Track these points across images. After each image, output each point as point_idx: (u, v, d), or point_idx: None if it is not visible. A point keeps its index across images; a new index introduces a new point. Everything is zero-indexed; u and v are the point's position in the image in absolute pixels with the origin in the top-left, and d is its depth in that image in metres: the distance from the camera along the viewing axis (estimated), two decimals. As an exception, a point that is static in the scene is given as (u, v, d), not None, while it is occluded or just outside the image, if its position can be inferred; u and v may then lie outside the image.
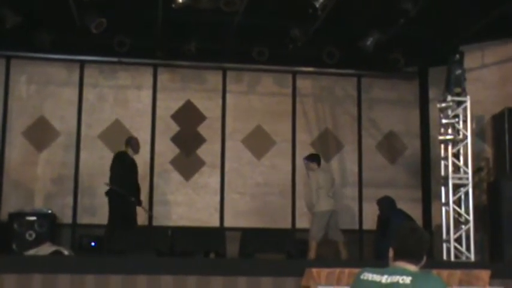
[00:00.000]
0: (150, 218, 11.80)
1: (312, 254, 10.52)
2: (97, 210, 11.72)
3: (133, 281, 7.50)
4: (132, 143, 10.85)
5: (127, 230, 10.11)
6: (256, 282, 7.69)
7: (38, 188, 12.07)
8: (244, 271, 7.79)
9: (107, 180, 10.53)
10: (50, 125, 12.26)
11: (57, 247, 9.05)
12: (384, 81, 13.27)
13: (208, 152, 12.65)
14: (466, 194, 10.41)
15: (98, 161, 11.92)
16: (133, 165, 10.78)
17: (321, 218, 10.79)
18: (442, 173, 10.56)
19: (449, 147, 10.45)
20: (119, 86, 12.61)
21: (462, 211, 10.39)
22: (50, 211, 11.51)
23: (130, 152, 10.78)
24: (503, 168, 10.92)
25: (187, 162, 12.57)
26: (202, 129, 12.71)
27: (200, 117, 12.73)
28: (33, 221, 11.19)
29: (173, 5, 10.12)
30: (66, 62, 12.45)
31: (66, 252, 8.90)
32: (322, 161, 11.75)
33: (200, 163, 12.59)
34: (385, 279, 3.70)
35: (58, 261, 8.09)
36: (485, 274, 7.79)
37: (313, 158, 11.26)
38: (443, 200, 10.48)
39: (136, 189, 10.78)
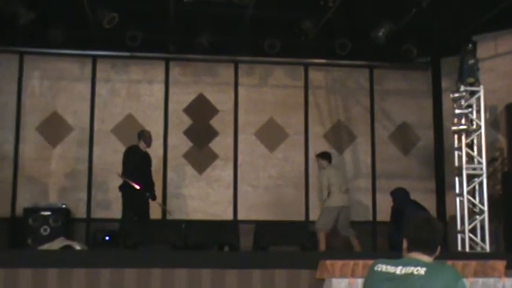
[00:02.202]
0: (164, 211, 11.82)
1: (322, 246, 10.56)
2: (111, 205, 11.76)
3: (148, 274, 7.52)
4: (144, 136, 10.81)
5: (141, 224, 10.13)
6: (270, 275, 7.69)
7: (52, 183, 12.14)
8: (258, 264, 7.80)
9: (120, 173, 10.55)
10: (63, 120, 12.31)
11: (69, 242, 9.07)
12: (396, 72, 13.22)
13: (221, 145, 12.66)
14: (481, 184, 10.36)
15: (111, 156, 11.96)
16: (145, 159, 10.74)
17: (330, 212, 10.91)
18: (456, 163, 10.51)
19: (463, 138, 10.40)
20: (131, 80, 12.64)
21: (477, 201, 10.34)
22: (64, 206, 11.57)
23: (142, 145, 10.73)
24: (517, 158, 10.86)
25: (200, 156, 12.58)
26: (214, 122, 12.72)
27: (212, 111, 12.74)
28: (47, 216, 11.25)
29: (184, -1, 10.13)
30: (78, 57, 12.50)
31: (77, 247, 8.92)
32: (335, 159, 11.88)
33: (213, 156, 12.60)
34: (399, 270, 3.69)
35: (73, 255, 8.12)
36: (500, 264, 7.76)
37: (324, 156, 11.37)
38: (457, 190, 10.44)
39: (151, 184, 10.77)
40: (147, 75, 12.69)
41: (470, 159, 10.46)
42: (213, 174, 12.59)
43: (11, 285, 7.25)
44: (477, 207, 10.32)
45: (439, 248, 3.81)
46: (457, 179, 10.48)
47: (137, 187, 10.18)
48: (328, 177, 11.04)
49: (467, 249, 10.04)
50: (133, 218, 10.28)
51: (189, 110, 12.68)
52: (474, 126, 10.47)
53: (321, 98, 13.06)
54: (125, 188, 10.37)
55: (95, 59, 12.53)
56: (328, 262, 7.47)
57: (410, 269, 3.66)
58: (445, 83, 12.55)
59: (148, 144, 10.79)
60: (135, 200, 10.30)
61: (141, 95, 12.63)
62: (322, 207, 11.15)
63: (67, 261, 7.59)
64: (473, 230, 10.23)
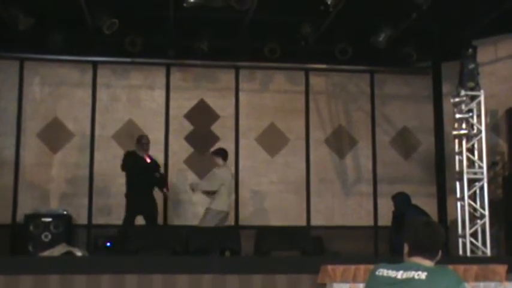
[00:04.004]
0: (165, 217, 11.80)
1: None
2: (112, 210, 11.77)
3: (149, 280, 7.51)
4: (142, 141, 10.88)
5: (141, 229, 10.15)
6: (271, 280, 7.69)
7: (53, 189, 12.13)
8: (260, 269, 7.79)
9: (124, 180, 10.60)
10: (63, 126, 12.31)
11: (70, 248, 9.06)
12: (397, 76, 13.23)
13: (222, 150, 12.64)
14: (481, 188, 10.37)
15: (112, 161, 11.94)
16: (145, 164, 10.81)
17: (214, 217, 10.53)
18: (457, 168, 10.53)
19: (464, 142, 10.41)
20: (132, 86, 12.64)
21: (477, 206, 10.35)
22: (65, 212, 11.56)
23: (140, 151, 10.81)
24: (518, 162, 10.87)
25: (202, 161, 12.56)
26: (215, 128, 12.72)
27: (213, 116, 12.74)
28: (48, 222, 11.24)
29: (184, 4, 10.12)
30: (78, 63, 12.50)
31: (79, 253, 8.91)
32: (336, 163, 12.24)
33: (214, 162, 12.56)
34: (400, 274, 3.69)
35: (74, 261, 8.12)
36: (501, 268, 7.75)
37: (219, 153, 10.90)
38: (458, 195, 10.45)
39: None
40: (148, 81, 12.70)
41: (471, 163, 10.48)
42: (214, 180, 12.56)
43: (12, 291, 7.24)
44: (478, 212, 10.32)
45: (440, 253, 3.80)
46: (458, 183, 10.49)
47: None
48: (222, 178, 10.59)
49: (468, 253, 10.05)
50: (133, 221, 10.36)
51: (189, 115, 12.67)
52: (475, 131, 10.48)
53: (322, 103, 13.06)
54: (129, 196, 10.45)
55: (95, 64, 12.53)
56: (329, 267, 7.47)
57: (411, 274, 3.66)
58: (445, 88, 12.55)
59: (146, 149, 10.90)
60: (143, 202, 10.36)
61: (141, 100, 12.64)
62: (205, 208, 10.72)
63: (68, 267, 7.59)
64: (474, 234, 10.23)
